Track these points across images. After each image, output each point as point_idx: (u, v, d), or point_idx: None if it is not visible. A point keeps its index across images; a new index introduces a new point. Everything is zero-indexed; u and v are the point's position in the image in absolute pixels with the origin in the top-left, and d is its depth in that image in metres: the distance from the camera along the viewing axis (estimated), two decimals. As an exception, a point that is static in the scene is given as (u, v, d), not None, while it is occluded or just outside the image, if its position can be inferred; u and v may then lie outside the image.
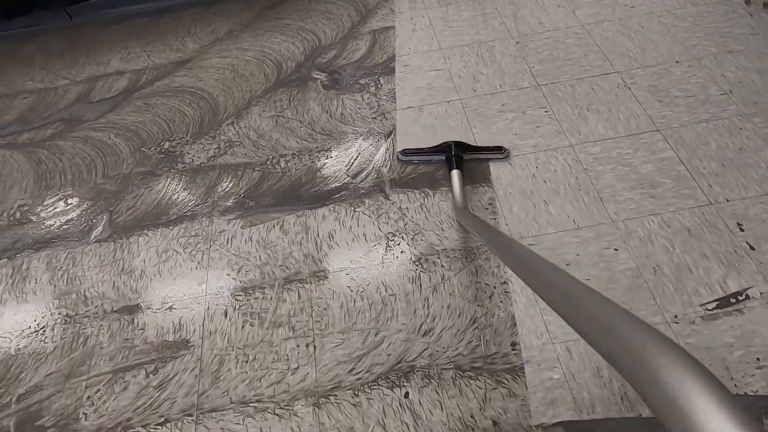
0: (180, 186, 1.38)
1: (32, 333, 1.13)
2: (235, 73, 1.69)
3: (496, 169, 1.32)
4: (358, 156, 1.40)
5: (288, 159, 1.41)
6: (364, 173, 1.35)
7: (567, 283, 0.46)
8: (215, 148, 1.47)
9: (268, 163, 1.41)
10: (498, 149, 1.33)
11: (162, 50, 1.82)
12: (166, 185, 1.39)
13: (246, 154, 1.44)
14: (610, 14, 1.70)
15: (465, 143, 1.33)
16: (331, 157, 1.40)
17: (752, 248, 1.11)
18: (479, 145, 1.35)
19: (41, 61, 1.85)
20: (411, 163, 1.34)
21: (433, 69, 1.60)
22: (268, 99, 1.59)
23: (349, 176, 1.35)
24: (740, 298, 1.04)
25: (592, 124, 1.39)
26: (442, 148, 1.32)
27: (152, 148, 1.50)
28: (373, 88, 1.57)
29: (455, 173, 1.24)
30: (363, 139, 1.44)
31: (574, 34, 1.65)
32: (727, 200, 1.20)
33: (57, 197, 1.41)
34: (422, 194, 1.28)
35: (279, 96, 1.59)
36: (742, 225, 1.15)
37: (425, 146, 1.36)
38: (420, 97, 1.53)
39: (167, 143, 1.51)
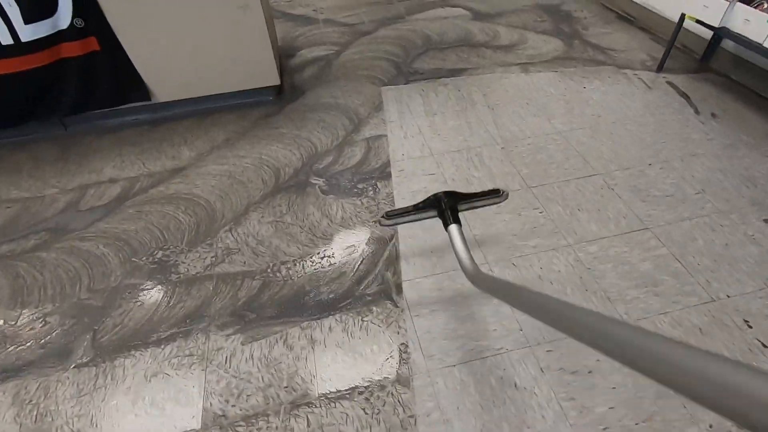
0: (174, 299, 1.30)
1: (-14, 489, 0.95)
2: (232, 180, 1.71)
3: (500, 270, 1.32)
4: (361, 261, 1.38)
5: (289, 266, 1.38)
6: (369, 278, 1.33)
7: (588, 317, 0.48)
8: (212, 257, 1.42)
9: (269, 270, 1.37)
10: (495, 192, 1.17)
11: (157, 158, 1.84)
12: (159, 299, 1.31)
13: (245, 262, 1.40)
14: (581, 122, 1.89)
15: (457, 192, 1.18)
16: (334, 263, 1.38)
17: (765, 346, 1.12)
18: (473, 191, 1.19)
19: (30, 169, 1.83)
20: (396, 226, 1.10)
21: (428, 173, 1.68)
22: (267, 205, 1.59)
23: (353, 282, 1.32)
24: None
25: (585, 223, 1.45)
26: (432, 203, 1.15)
27: (144, 258, 1.43)
28: (371, 192, 1.62)
29: (453, 229, 1.06)
30: (365, 243, 1.43)
31: (553, 140, 1.80)
32: (728, 296, 1.23)
33: (33, 315, 1.29)
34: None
35: (278, 201, 1.60)
36: (748, 321, 1.17)
37: (410, 204, 1.18)
38: (417, 200, 1.57)
39: (160, 252, 1.45)
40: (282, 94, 2.18)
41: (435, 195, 1.14)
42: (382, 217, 1.14)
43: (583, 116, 1.92)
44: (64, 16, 1.68)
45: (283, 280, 1.34)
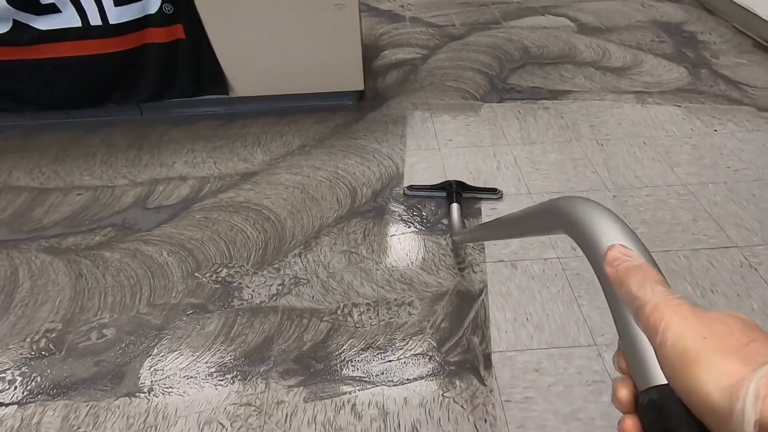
0: (234, 331, 1.18)
1: None
2: (305, 194, 1.57)
3: (612, 358, 1.10)
4: (444, 316, 1.20)
5: (362, 310, 1.22)
6: (452, 342, 1.15)
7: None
8: (279, 285, 1.29)
9: (339, 312, 1.22)
10: (492, 191, 1.53)
11: (229, 158, 1.74)
12: (218, 327, 1.19)
13: (313, 297, 1.26)
14: (713, 176, 1.59)
15: (464, 182, 1.53)
16: (412, 315, 1.21)
17: None
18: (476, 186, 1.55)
19: (104, 155, 1.78)
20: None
21: (524, 216, 1.46)
22: (341, 230, 1.44)
23: (433, 343, 1.14)
24: None
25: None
26: (443, 186, 1.52)
27: (207, 275, 1.33)
28: (458, 231, 1.43)
29: (455, 206, 1.41)
30: (450, 295, 1.25)
31: (677, 194, 1.52)
32: None
33: (91, 324, 1.21)
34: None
35: (352, 227, 1.45)
36: None
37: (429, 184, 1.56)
38: (512, 250, 1.36)
39: (224, 270, 1.34)
40: (363, 100, 2.01)
41: (447, 181, 1.53)
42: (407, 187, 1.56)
43: (716, 168, 1.62)
44: (154, 0, 1.58)
45: (354, 327, 1.18)
